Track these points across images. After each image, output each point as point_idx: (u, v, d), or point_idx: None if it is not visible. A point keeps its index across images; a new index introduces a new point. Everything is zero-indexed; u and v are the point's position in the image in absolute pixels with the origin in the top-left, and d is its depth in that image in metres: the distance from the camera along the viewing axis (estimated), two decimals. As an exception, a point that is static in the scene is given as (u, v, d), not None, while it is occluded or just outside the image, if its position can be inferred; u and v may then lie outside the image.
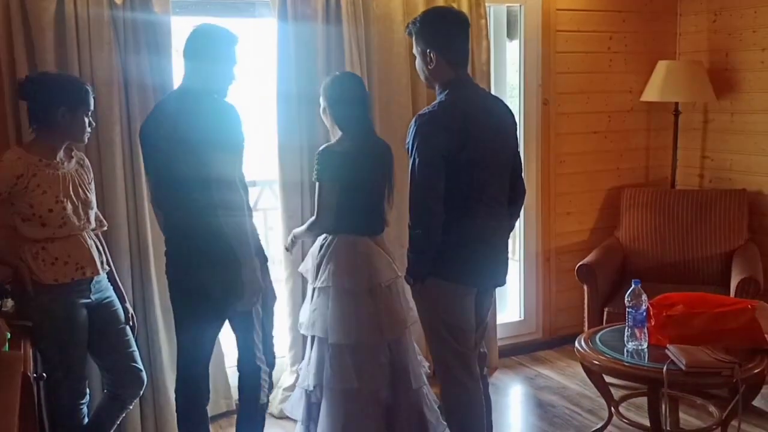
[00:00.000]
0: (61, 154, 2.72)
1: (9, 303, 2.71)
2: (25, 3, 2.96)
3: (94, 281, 2.78)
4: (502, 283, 2.84)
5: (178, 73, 3.28)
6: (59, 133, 2.69)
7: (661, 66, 4.27)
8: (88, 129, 2.75)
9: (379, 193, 3.03)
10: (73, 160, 2.80)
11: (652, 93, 4.30)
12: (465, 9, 3.71)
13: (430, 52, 2.58)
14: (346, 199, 2.93)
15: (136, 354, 2.95)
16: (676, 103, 4.39)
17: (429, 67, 2.60)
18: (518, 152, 2.82)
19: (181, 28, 3.35)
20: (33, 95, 2.67)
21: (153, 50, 3.17)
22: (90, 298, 2.77)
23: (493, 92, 3.91)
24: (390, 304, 3.01)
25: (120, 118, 3.16)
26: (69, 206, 2.68)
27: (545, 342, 4.47)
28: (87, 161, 2.90)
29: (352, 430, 2.97)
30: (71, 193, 2.71)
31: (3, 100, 3.02)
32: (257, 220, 3.20)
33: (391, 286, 3.02)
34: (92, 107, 2.75)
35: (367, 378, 2.96)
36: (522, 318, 4.48)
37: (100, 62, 3.08)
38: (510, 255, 2.91)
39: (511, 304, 4.53)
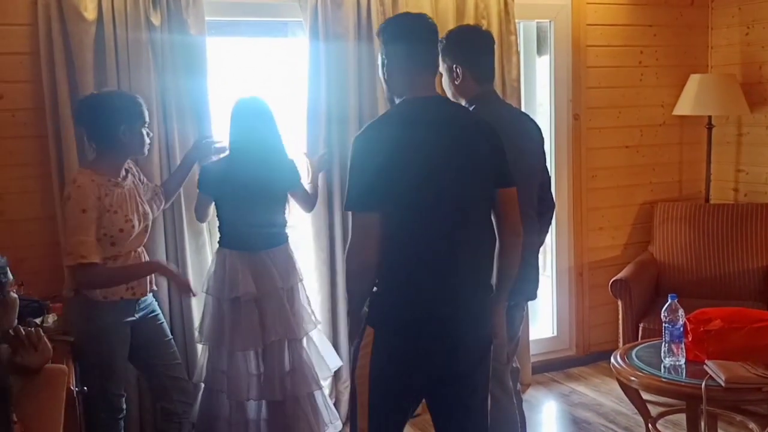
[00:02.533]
0: (123, 170, 2.74)
1: (50, 319, 2.78)
2: (66, 25, 3.04)
3: (140, 300, 2.80)
4: (534, 296, 2.83)
5: (213, 92, 3.34)
6: (122, 151, 2.69)
7: (694, 80, 4.24)
8: (147, 141, 2.75)
9: None
10: (129, 174, 2.79)
11: (684, 107, 4.27)
12: (495, 25, 3.73)
13: (456, 68, 2.61)
14: None
15: (181, 367, 2.98)
16: (709, 117, 4.35)
17: (456, 82, 2.63)
18: (546, 167, 2.82)
19: (215, 48, 3.42)
20: (91, 120, 2.66)
21: (189, 70, 3.23)
22: (134, 317, 2.78)
23: (523, 108, 3.91)
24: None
25: (158, 137, 3.19)
26: (136, 223, 2.69)
27: (579, 358, 4.42)
28: (133, 167, 2.87)
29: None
30: (136, 209, 2.72)
31: (45, 121, 3.09)
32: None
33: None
34: (147, 119, 2.74)
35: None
36: (555, 334, 4.44)
37: (138, 83, 3.13)
38: (541, 270, 2.90)
39: (543, 320, 4.50)
